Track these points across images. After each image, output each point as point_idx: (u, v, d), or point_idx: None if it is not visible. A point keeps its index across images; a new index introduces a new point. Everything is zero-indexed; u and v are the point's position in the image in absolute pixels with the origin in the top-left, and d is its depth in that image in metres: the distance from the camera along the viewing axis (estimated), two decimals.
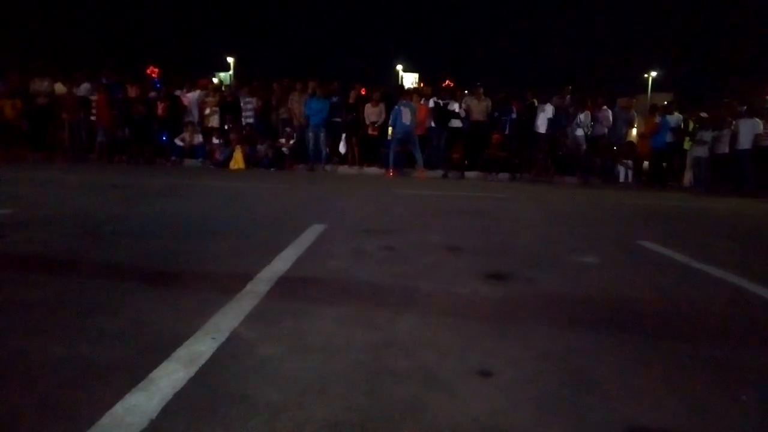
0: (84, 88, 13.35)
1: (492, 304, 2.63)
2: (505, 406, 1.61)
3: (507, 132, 13.09)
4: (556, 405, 1.63)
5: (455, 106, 12.96)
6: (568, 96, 13.29)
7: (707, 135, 12.18)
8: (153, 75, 16.66)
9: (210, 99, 13.33)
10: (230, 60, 45.72)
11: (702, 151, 12.29)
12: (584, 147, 12.90)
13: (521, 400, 1.65)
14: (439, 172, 12.92)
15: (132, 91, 13.26)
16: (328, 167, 13.10)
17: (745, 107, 12.34)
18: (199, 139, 12.97)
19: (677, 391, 1.77)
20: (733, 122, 11.95)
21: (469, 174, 12.95)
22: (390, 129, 12.55)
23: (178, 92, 13.55)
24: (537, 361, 1.96)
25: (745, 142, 11.62)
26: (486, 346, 2.07)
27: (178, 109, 13.24)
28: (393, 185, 9.95)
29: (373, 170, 13.07)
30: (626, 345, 2.17)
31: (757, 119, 11.77)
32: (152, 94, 13.46)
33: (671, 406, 1.65)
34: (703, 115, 12.98)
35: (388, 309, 2.47)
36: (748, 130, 11.64)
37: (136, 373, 1.68)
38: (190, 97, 13.34)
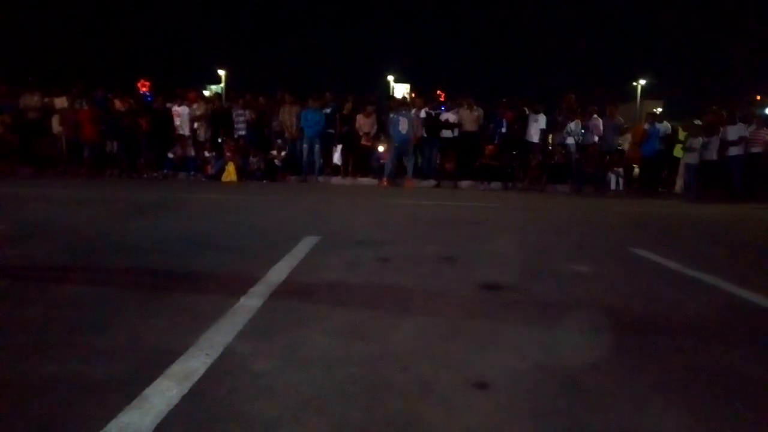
0: (77, 102, 13.30)
1: (487, 315, 2.63)
2: (501, 418, 1.60)
3: (497, 141, 13.18)
4: (552, 416, 1.63)
5: (447, 116, 13.02)
6: (558, 109, 13.38)
7: (697, 142, 12.28)
8: (143, 89, 16.64)
9: (199, 112, 13.33)
10: (221, 73, 45.76)
11: (692, 158, 12.39)
12: (576, 156, 12.97)
13: (518, 412, 1.64)
14: (432, 182, 12.95)
15: (121, 105, 13.22)
16: (320, 178, 13.10)
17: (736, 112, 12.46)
18: (191, 152, 12.96)
19: (673, 399, 1.77)
20: (721, 129, 12.07)
21: (461, 183, 12.99)
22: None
23: (168, 105, 13.53)
24: (533, 371, 1.96)
25: (733, 148, 11.73)
26: (482, 358, 2.07)
27: (168, 122, 13.22)
28: (386, 195, 9.96)
29: (366, 181, 13.09)
30: (622, 354, 2.17)
31: (744, 125, 11.89)
32: (142, 107, 13.45)
33: (667, 415, 1.65)
34: (696, 122, 13.08)
35: (383, 321, 2.47)
36: (735, 136, 11.75)
37: (129, 391, 1.66)
38: (181, 111, 13.33)
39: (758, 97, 16.86)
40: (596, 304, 2.91)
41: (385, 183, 12.34)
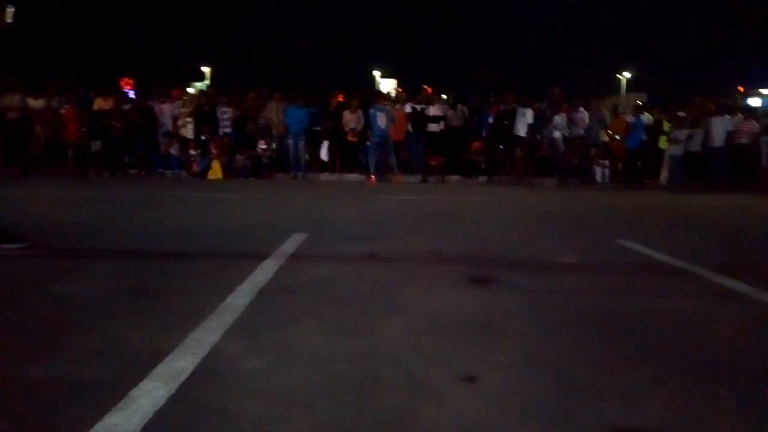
0: (56, 101, 13.14)
1: (476, 309, 2.63)
2: (491, 412, 1.60)
3: (484, 135, 13.22)
4: (541, 408, 1.63)
5: (432, 110, 13.03)
6: (545, 102, 13.44)
7: (681, 134, 12.41)
8: (126, 87, 16.48)
9: (183, 109, 13.22)
10: (206, 69, 45.36)
11: (677, 150, 12.51)
12: (562, 149, 13.04)
13: (507, 405, 1.65)
14: (419, 177, 12.96)
15: (105, 104, 13.07)
16: (307, 175, 13.06)
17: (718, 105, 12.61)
18: (176, 149, 12.88)
19: (661, 390, 1.78)
20: (706, 120, 12.20)
21: (448, 178, 13.01)
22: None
23: (151, 102, 13.41)
24: (521, 364, 1.96)
25: (717, 139, 11.87)
26: (471, 352, 2.07)
27: (152, 120, 13.11)
28: (374, 191, 9.95)
29: (354, 177, 13.06)
30: (609, 345, 2.18)
31: (729, 116, 12.03)
32: (126, 106, 13.31)
33: (655, 406, 1.66)
34: (680, 114, 13.20)
35: (371, 317, 2.46)
36: (720, 127, 11.89)
37: (115, 393, 1.64)
38: (164, 108, 13.21)
39: (741, 89, 17.03)
40: (583, 297, 2.93)
41: (373, 179, 12.33)
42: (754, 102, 17.07)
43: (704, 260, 3.82)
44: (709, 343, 2.26)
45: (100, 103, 13.13)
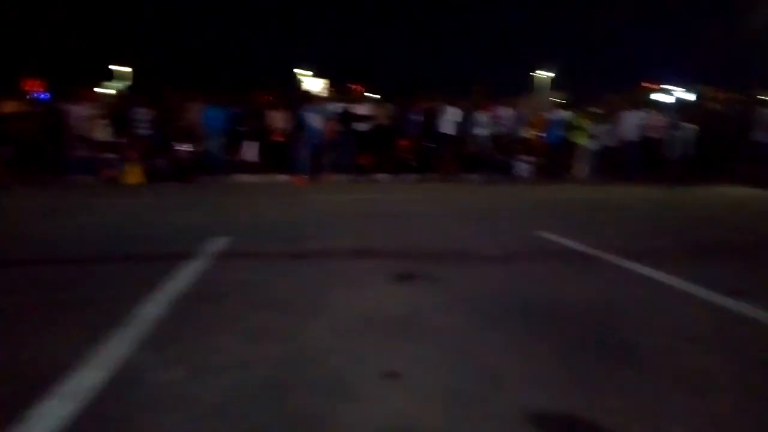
0: None
1: (401, 305, 2.64)
2: (412, 407, 1.61)
3: (412, 133, 13.38)
4: (462, 401, 1.65)
5: (360, 109, 13.07)
6: (469, 100, 13.75)
7: (598, 129, 13.06)
8: (34, 88, 15.51)
9: (97, 111, 12.56)
10: (125, 70, 43.42)
11: (594, 144, 13.15)
12: (486, 146, 13.38)
13: (429, 400, 1.66)
14: (349, 176, 12.93)
15: (9, 107, 12.24)
16: (230, 177, 12.73)
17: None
18: (85, 153, 12.22)
19: (578, 377, 1.85)
20: (619, 116, 12.90)
21: (378, 177, 13.07)
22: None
23: (62, 105, 12.66)
24: (444, 359, 1.98)
25: (630, 133, 12.57)
26: (395, 348, 2.07)
27: (62, 122, 12.37)
28: (302, 191, 9.84)
29: (282, 177, 12.86)
30: (531, 336, 2.25)
31: (641, 112, 12.78)
32: (35, 108, 12.52)
33: (573, 393, 1.72)
34: (596, 110, 13.87)
35: (295, 319, 2.42)
36: (632, 122, 12.60)
37: (14, 413, 1.52)
38: (75, 110, 12.50)
39: (649, 85, 18.16)
40: (505, 288, 3.00)
41: (302, 179, 12.20)
42: (663, 98, 18.25)
43: (616, 248, 4.01)
44: (627, 329, 2.36)
45: (5, 107, 12.28)
